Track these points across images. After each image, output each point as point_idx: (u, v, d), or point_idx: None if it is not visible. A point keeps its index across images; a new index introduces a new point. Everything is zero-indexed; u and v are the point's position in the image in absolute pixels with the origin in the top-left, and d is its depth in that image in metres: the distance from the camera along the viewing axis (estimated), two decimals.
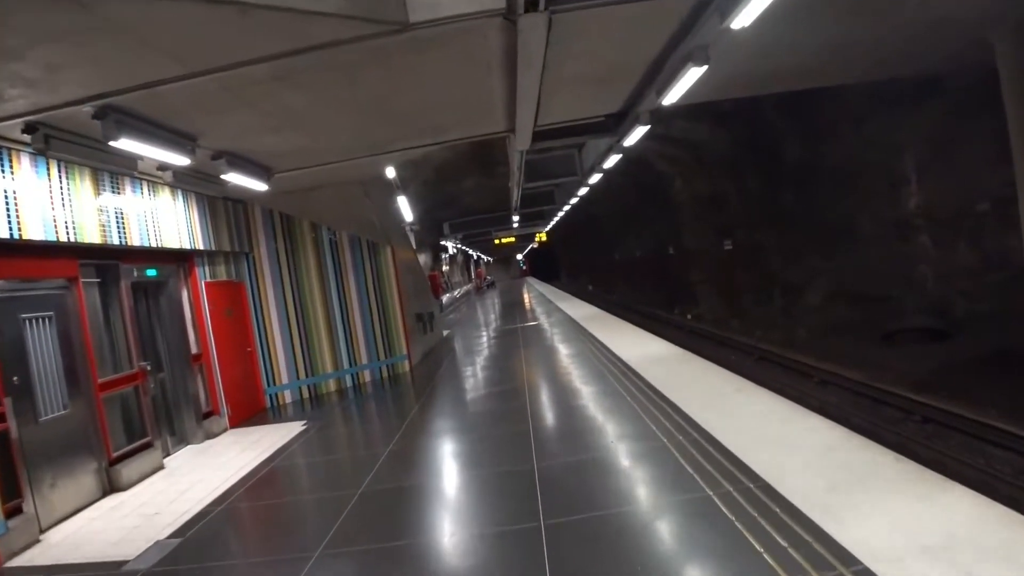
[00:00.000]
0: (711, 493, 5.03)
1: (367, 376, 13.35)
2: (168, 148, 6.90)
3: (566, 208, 26.81)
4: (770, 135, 18.20)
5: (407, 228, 21.08)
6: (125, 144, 6.24)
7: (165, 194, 9.42)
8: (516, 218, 28.40)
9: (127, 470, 7.99)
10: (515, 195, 18.15)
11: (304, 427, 10.06)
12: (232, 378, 11.01)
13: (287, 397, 12.50)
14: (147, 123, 6.46)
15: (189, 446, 9.86)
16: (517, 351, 14.66)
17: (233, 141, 7.86)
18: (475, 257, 72.55)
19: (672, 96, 7.54)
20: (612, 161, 12.67)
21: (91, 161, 7.07)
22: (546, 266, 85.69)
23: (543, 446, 6.96)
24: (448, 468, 7.20)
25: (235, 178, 8.62)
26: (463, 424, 8.90)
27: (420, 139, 9.35)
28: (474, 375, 12.85)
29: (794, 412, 6.78)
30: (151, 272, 9.44)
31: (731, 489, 5.02)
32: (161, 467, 8.68)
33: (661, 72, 7.49)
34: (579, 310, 22.92)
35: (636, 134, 9.54)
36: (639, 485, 5.68)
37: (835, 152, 16.52)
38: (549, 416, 8.43)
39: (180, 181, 8.59)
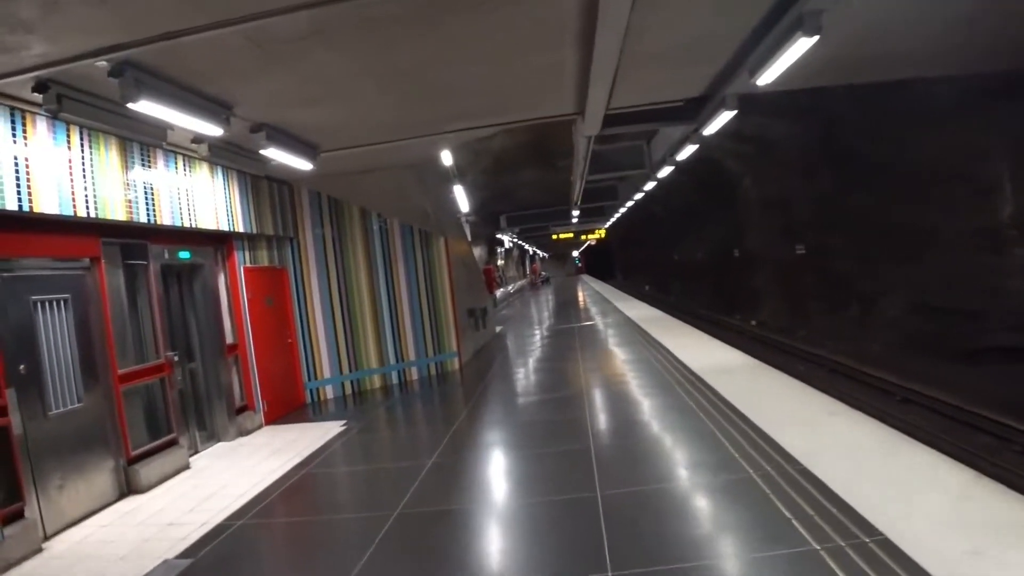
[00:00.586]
0: (817, 547, 4.06)
1: (414, 373, 12.57)
2: (199, 115, 6.17)
3: (629, 204, 25.65)
4: (849, 133, 16.91)
5: (462, 219, 20.34)
6: (147, 108, 5.51)
7: (203, 171, 8.72)
8: (576, 213, 27.39)
9: (147, 470, 7.31)
10: (577, 188, 17.20)
11: (343, 428, 9.30)
12: (270, 371, 10.31)
13: (328, 393, 11.79)
14: (172, 84, 5.73)
15: (220, 443, 9.18)
16: (573, 353, 13.73)
17: (270, 111, 7.10)
18: (530, 252, 71.71)
19: (768, 75, 6.52)
20: (686, 152, 11.59)
21: (112, 127, 6.39)
22: (601, 264, 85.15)
23: (606, 470, 6.02)
24: (498, 491, 6.32)
25: (277, 155, 7.88)
26: (515, 436, 8.01)
27: (474, 120, 8.49)
28: (527, 378, 11.97)
29: (900, 442, 5.75)
30: (184, 255, 8.76)
31: (842, 543, 4.04)
32: (186, 467, 8.00)
33: (758, 46, 6.48)
34: (637, 311, 21.88)
35: (718, 121, 8.47)
36: (726, 532, 4.71)
37: (920, 153, 15.19)
38: (611, 433, 7.46)
39: (217, 156, 7.89)
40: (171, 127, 6.76)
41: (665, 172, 13.95)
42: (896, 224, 16.03)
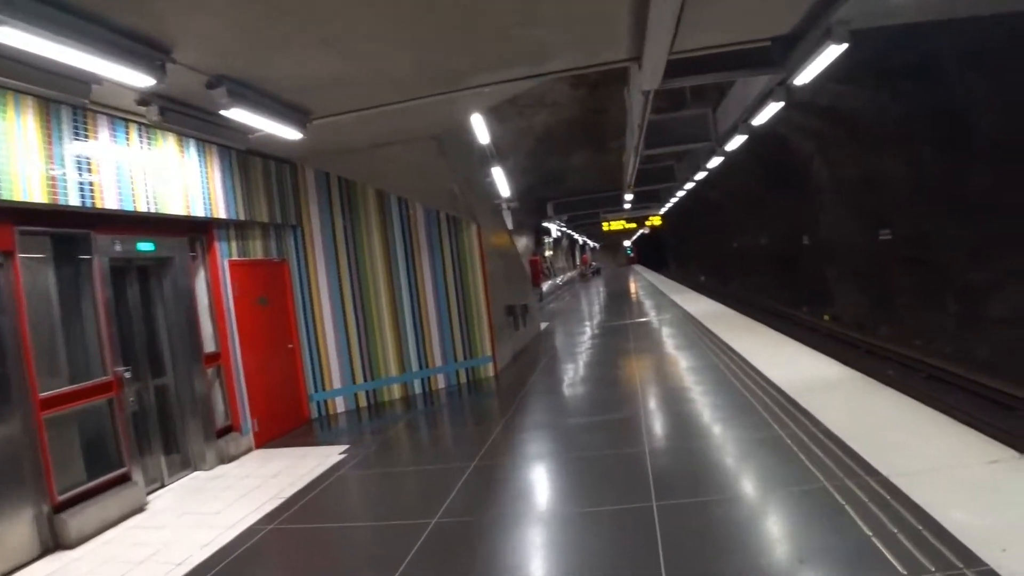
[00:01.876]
0: None
1: (440, 381, 10.91)
2: (117, 59, 4.55)
3: (689, 185, 23.41)
4: (952, 100, 14.68)
5: (503, 205, 18.61)
6: (20, 39, 3.91)
7: (168, 144, 7.12)
8: (628, 198, 25.39)
9: (81, 518, 5.75)
10: (631, 166, 15.30)
11: (343, 455, 7.67)
12: (262, 383, 8.72)
13: (339, 405, 10.18)
14: (71, 14, 4.12)
15: (196, 473, 7.62)
16: (627, 358, 11.90)
17: (229, 57, 5.43)
18: (580, 242, 69.96)
19: None
20: (767, 114, 9.52)
21: None
22: (654, 254, 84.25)
23: (677, 546, 4.24)
24: (535, 564, 4.58)
25: (247, 119, 6.23)
26: (555, 480, 6.21)
27: (505, 69, 6.69)
28: (572, 390, 10.17)
29: None
30: (146, 246, 7.18)
31: None
32: (141, 508, 6.44)
33: None
34: (696, 305, 19.88)
35: (819, 63, 6.39)
36: None
37: None
38: (682, 483, 5.40)
39: (174, 122, 6.24)
40: (97, 80, 5.16)
41: (736, 143, 11.91)
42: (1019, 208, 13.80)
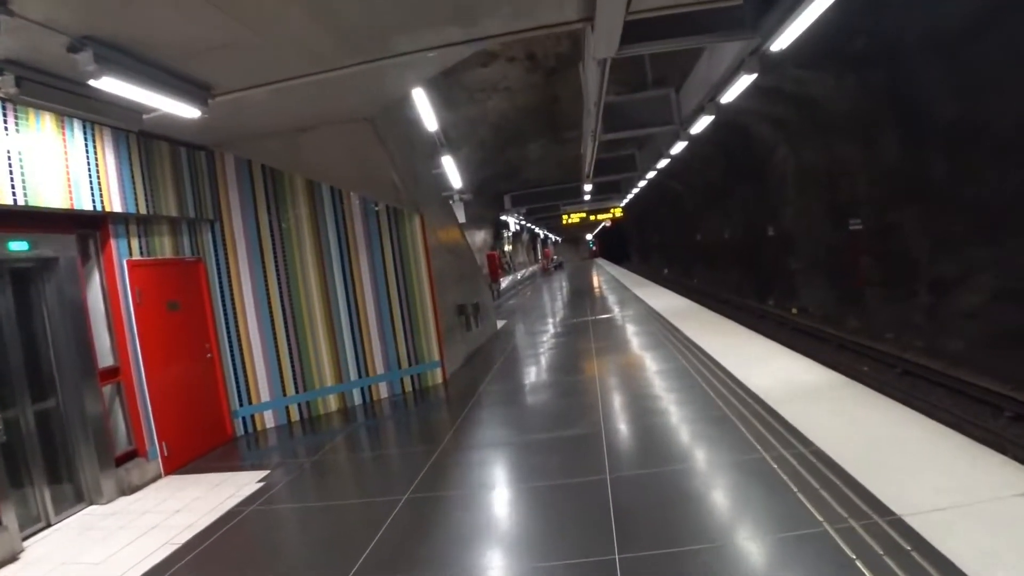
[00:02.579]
0: None
1: (383, 391, 9.97)
2: None
3: (651, 174, 22.48)
4: (919, 86, 14.06)
5: (456, 197, 17.68)
6: None
7: (44, 124, 6.06)
8: (588, 188, 24.52)
9: None
10: (589, 152, 14.42)
11: (262, 482, 6.70)
12: (173, 399, 7.69)
13: (268, 420, 9.18)
14: None
15: (90, 508, 6.60)
16: (588, 360, 11.01)
17: (95, 13, 4.45)
18: (542, 236, 69.35)
19: None
20: (738, 89, 8.58)
21: None
22: (616, 247, 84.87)
23: None
24: None
25: (123, 90, 5.22)
26: (501, 520, 5.25)
27: (431, 32, 5.76)
28: (527, 400, 9.21)
29: None
30: (19, 246, 6.11)
31: None
32: (13, 558, 5.42)
33: None
34: (661, 300, 19.14)
35: (801, 22, 5.54)
36: None
37: (1013, 108, 12.36)
38: (654, 526, 4.50)
39: (34, 95, 5.23)
40: None
41: (701, 125, 11.05)
42: (987, 196, 13.22)
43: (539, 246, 71.34)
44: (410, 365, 10.13)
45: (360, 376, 9.77)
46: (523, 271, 49.98)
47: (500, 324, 17.88)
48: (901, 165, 15.69)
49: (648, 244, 69.76)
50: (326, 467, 7.32)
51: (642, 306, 18.10)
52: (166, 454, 7.44)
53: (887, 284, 17.42)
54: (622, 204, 36.39)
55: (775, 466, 4.96)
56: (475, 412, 8.58)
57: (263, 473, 7.01)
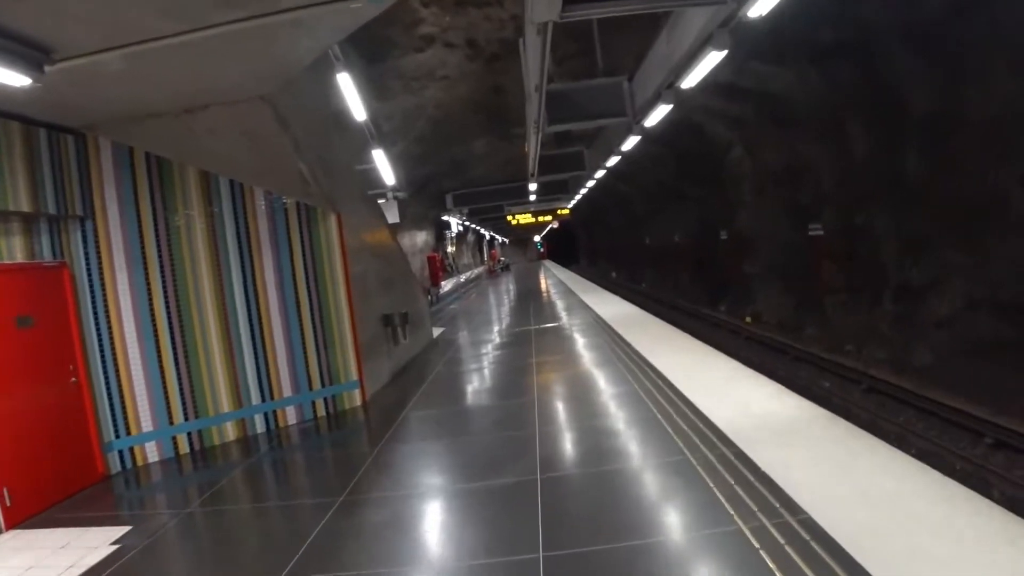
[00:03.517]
0: None
1: (291, 416, 8.72)
2: None
3: (600, 173, 21.34)
4: (889, 80, 13.31)
5: (389, 195, 16.45)
6: None
7: None
8: (533, 187, 23.43)
9: None
10: (533, 146, 13.34)
11: (116, 545, 5.41)
12: (20, 435, 6.35)
13: (151, 453, 7.84)
14: None
15: None
16: (528, 380, 9.81)
17: None
18: (488, 237, 68.36)
19: None
20: (702, 71, 7.34)
21: None
22: (564, 249, 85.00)
23: None
24: None
25: None
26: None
27: None
28: (454, 431, 8.02)
29: None
30: None
31: None
32: None
33: None
34: (609, 307, 18.17)
35: None
36: None
37: (989, 104, 11.66)
38: None
39: None
40: None
41: (657, 116, 9.94)
42: (957, 196, 12.51)
43: (485, 248, 70.25)
44: (323, 386, 8.90)
45: (263, 400, 8.50)
46: (468, 273, 48.77)
47: (437, 332, 16.70)
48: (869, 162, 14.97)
49: (596, 246, 69.43)
50: (199, 524, 6.03)
51: (589, 314, 17.09)
52: (8, 503, 6.10)
53: (849, 290, 16.71)
54: (569, 205, 35.43)
55: (756, 543, 3.89)
56: (392, 447, 7.37)
57: (121, 531, 5.72)
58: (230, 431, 8.32)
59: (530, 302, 24.39)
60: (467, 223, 41.08)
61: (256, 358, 8.45)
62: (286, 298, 8.61)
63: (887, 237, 14.71)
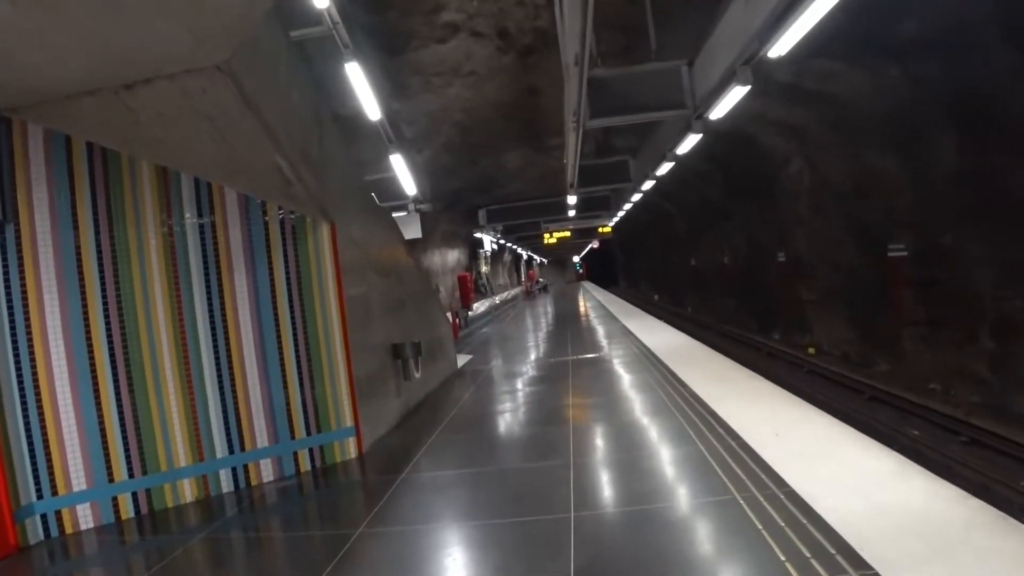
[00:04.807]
0: None
1: (266, 471, 7.07)
2: None
3: (648, 184, 19.34)
4: (992, 76, 11.46)
5: (411, 206, 14.91)
6: None
7: None
8: (572, 201, 21.72)
9: None
10: (572, 146, 11.67)
11: None
12: None
13: (85, 518, 6.23)
14: None
15: None
16: (563, 433, 7.96)
17: None
18: (525, 257, 67.07)
19: None
20: (798, 32, 5.58)
21: None
22: (603, 271, 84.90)
23: None
24: None
25: None
26: None
27: None
28: (468, 506, 6.32)
29: None
30: None
31: None
32: None
33: None
34: (654, 335, 16.38)
35: None
36: None
37: None
38: None
39: None
40: None
41: (728, 103, 8.06)
42: None
43: (523, 267, 68.87)
44: (308, 434, 7.27)
45: (231, 451, 6.87)
46: (504, 294, 47.12)
47: (464, 360, 15.06)
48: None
49: (636, 268, 68.18)
50: None
51: (633, 342, 15.33)
52: None
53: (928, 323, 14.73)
54: (612, 223, 33.65)
55: None
56: (387, 516, 5.71)
57: None
58: (188, 490, 6.69)
59: (567, 327, 22.59)
60: (502, 241, 39.51)
61: (223, 400, 6.83)
62: (263, 326, 7.00)
63: (982, 262, 12.76)
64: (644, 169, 18.07)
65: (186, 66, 5.39)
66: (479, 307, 31.11)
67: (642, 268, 64.40)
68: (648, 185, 19.16)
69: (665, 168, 15.25)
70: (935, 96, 12.65)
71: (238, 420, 6.89)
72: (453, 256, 29.72)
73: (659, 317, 23.75)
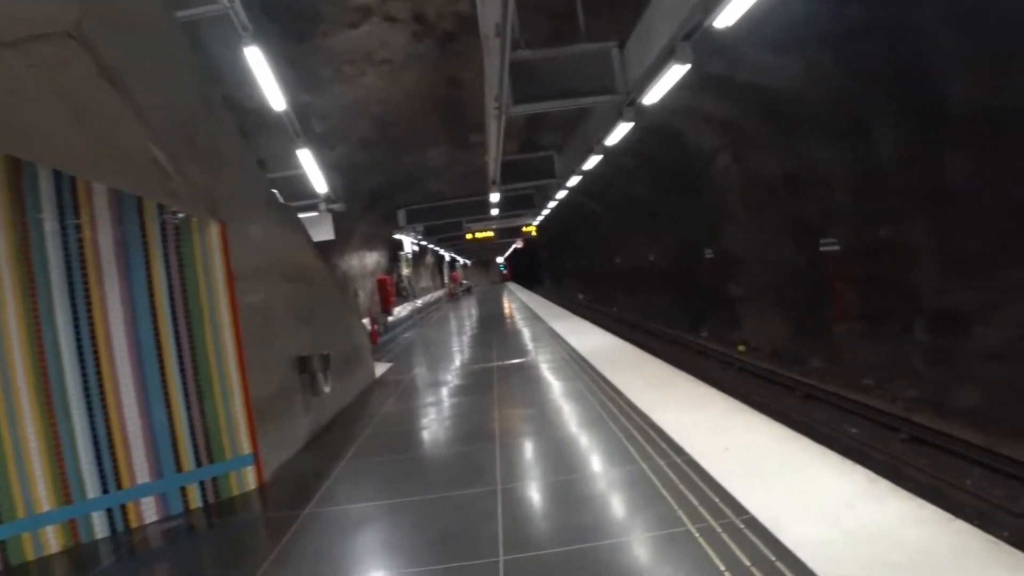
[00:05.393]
0: None
1: (148, 511, 6.12)
2: None
3: (574, 180, 18.67)
4: (931, 63, 11.20)
5: (322, 206, 13.98)
6: None
7: None
8: (495, 199, 20.99)
9: None
10: (494, 136, 10.94)
11: None
12: None
13: None
14: None
15: None
16: (488, 450, 7.29)
17: None
18: (448, 259, 66.27)
19: None
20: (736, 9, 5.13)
21: None
22: (528, 271, 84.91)
23: None
24: None
25: None
26: None
27: None
28: (380, 538, 5.58)
29: None
30: None
31: None
32: None
33: None
34: (583, 337, 15.79)
35: None
36: None
37: None
38: None
39: None
40: None
41: (667, 83, 7.42)
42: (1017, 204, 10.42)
43: (446, 270, 67.98)
44: (198, 465, 6.35)
45: (105, 490, 5.91)
46: (427, 297, 46.12)
47: (383, 369, 14.19)
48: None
49: (561, 268, 68.28)
50: None
51: (561, 345, 14.71)
52: None
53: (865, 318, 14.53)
54: (535, 222, 33.05)
55: None
56: (286, 565, 4.88)
57: None
58: (52, 539, 5.70)
59: (493, 330, 21.85)
60: (424, 243, 38.54)
61: (93, 430, 5.86)
62: (141, 342, 6.06)
63: (920, 254, 12.55)
64: (570, 164, 17.45)
65: (30, 30, 4.46)
66: (401, 311, 30.14)
67: (567, 268, 64.35)
68: (574, 181, 18.57)
69: (593, 161, 14.63)
70: (874, 82, 12.36)
71: (112, 453, 5.93)
72: (373, 259, 28.67)
73: (585, 317, 23.23)
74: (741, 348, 20.39)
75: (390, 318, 25.51)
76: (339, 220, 17.02)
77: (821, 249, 15.02)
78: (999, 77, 10.24)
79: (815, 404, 14.70)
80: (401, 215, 26.66)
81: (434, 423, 9.21)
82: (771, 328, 19.25)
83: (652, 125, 16.36)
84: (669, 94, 8.45)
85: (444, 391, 11.53)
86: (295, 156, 12.05)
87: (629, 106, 8.91)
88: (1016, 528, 8.66)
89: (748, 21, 6.70)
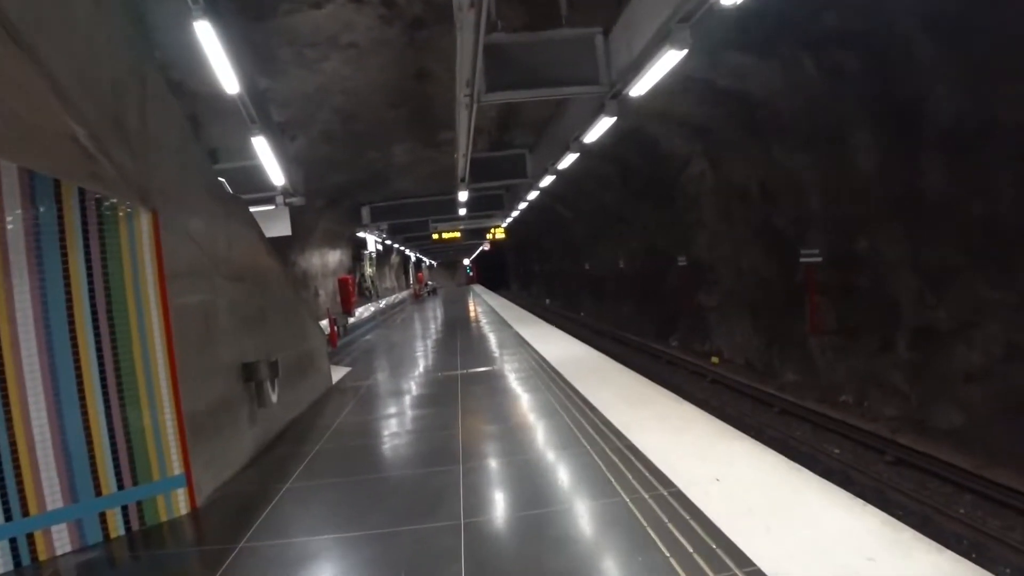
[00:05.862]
0: None
1: (60, 542, 5.35)
2: None
3: (547, 180, 17.93)
4: (914, 75, 10.76)
5: (280, 199, 13.22)
6: None
7: None
8: (463, 197, 20.24)
9: None
10: (464, 127, 10.25)
11: None
12: None
13: None
14: None
15: None
16: (451, 473, 6.65)
17: None
18: (414, 259, 65.49)
19: None
20: None
21: None
22: (494, 274, 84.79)
23: None
24: None
25: None
26: None
27: None
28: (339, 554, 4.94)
29: None
30: None
31: None
32: None
33: None
34: (552, 345, 15.19)
35: None
36: None
37: None
38: None
39: None
40: None
41: (658, 72, 6.75)
42: (997, 216, 10.00)
43: (411, 270, 67.11)
44: (120, 487, 5.59)
45: (8, 516, 5.13)
46: (391, 298, 45.25)
47: (341, 374, 13.45)
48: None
49: (528, 272, 68.05)
50: None
51: (528, 353, 14.08)
52: None
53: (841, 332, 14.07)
54: (505, 223, 32.35)
55: None
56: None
57: None
58: None
59: (457, 334, 21.13)
60: (389, 242, 37.69)
61: None
62: (53, 345, 5.29)
63: (899, 266, 12.10)
64: (543, 163, 16.80)
65: None
66: (363, 312, 29.32)
67: (534, 272, 63.93)
68: (547, 181, 17.91)
69: (569, 160, 13.97)
70: (860, 89, 11.91)
71: (17, 474, 5.15)
72: (335, 257, 27.82)
73: (552, 323, 22.67)
74: (715, 360, 19.92)
75: (351, 319, 24.71)
76: (298, 215, 16.25)
77: (806, 259, 14.52)
78: None
79: (782, 415, 14.36)
80: (365, 212, 25.83)
81: (392, 438, 8.49)
82: (744, 338, 18.82)
83: (625, 128, 15.87)
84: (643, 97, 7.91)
85: (405, 401, 10.83)
86: (251, 145, 11.29)
87: (612, 99, 8.29)
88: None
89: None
